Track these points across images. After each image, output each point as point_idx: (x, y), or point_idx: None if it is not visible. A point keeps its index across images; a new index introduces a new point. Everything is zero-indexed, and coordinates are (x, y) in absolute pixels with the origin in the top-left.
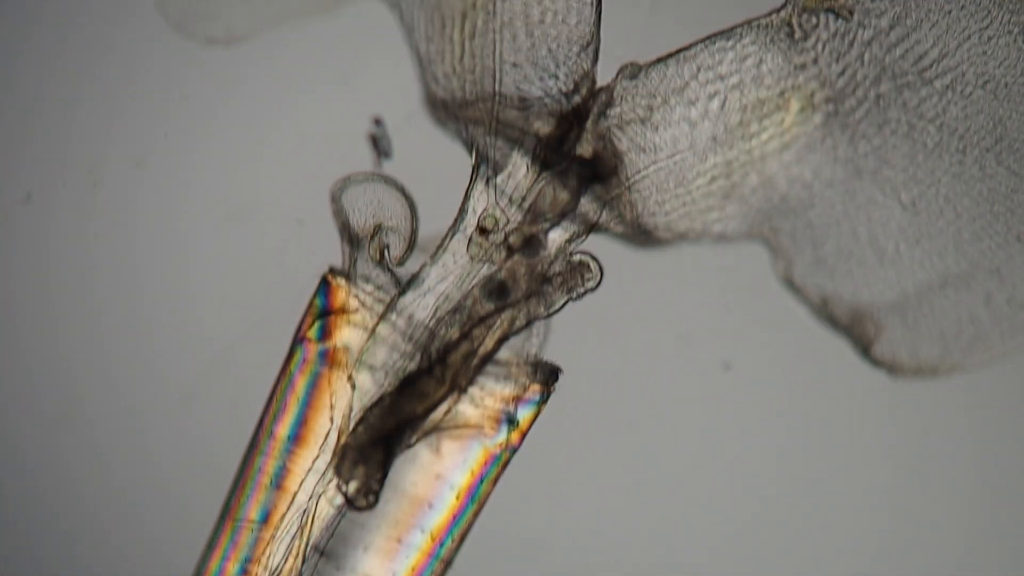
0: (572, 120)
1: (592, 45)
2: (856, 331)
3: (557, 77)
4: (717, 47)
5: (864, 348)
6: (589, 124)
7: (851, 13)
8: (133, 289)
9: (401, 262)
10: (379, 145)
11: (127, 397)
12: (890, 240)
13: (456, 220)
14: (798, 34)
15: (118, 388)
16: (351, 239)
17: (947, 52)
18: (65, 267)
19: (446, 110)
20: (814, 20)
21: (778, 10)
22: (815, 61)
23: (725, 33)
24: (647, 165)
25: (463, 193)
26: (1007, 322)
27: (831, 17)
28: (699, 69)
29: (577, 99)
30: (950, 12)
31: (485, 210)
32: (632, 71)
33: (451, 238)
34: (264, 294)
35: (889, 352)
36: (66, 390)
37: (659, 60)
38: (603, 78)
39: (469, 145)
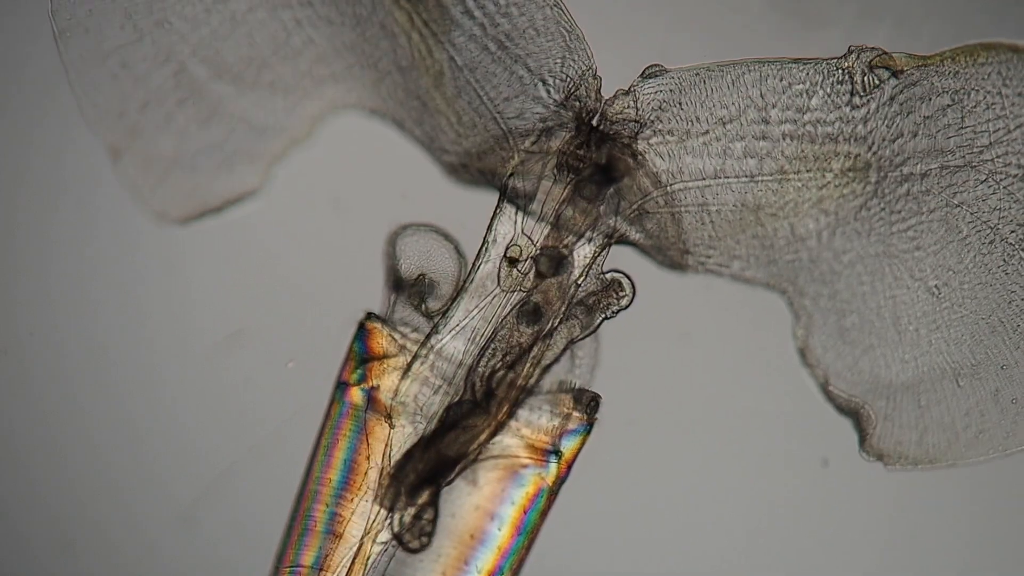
0: (585, 124)
1: (574, 43)
2: (863, 410)
3: (549, 86)
4: (769, 86)
5: (867, 430)
6: (610, 130)
7: (907, 89)
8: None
9: (440, 311)
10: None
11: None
12: (912, 322)
13: (480, 253)
14: (858, 91)
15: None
16: (396, 284)
17: (997, 140)
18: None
19: (468, 171)
20: (876, 79)
21: (841, 58)
22: (867, 123)
23: (780, 68)
24: (676, 184)
25: (486, 226)
26: (1011, 420)
27: (893, 80)
28: (747, 106)
29: (584, 101)
30: (1007, 98)
31: (511, 240)
32: (658, 74)
33: (478, 271)
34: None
35: (894, 435)
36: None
37: (693, 71)
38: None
39: (499, 187)
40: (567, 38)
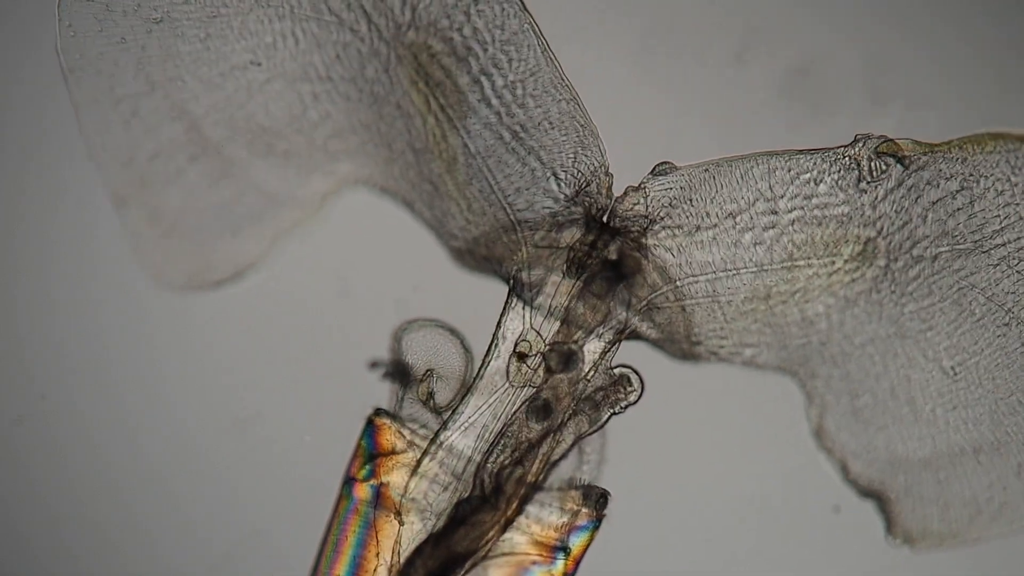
0: (595, 221)
1: (587, 138)
2: (883, 490)
3: (561, 181)
4: (777, 177)
5: (890, 511)
6: (620, 225)
7: (915, 175)
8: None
9: (447, 407)
10: (393, 374)
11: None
12: (927, 402)
13: (490, 348)
14: (865, 177)
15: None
16: (402, 380)
17: (1008, 224)
18: None
19: (475, 257)
20: (884, 166)
21: (848, 146)
22: (876, 210)
23: (788, 159)
24: (686, 278)
25: (496, 322)
26: None
27: (900, 166)
28: (758, 198)
29: (595, 198)
30: (1016, 186)
31: (520, 335)
32: (668, 171)
33: (487, 367)
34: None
35: (916, 511)
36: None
37: (702, 167)
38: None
39: (506, 279)
40: (581, 133)
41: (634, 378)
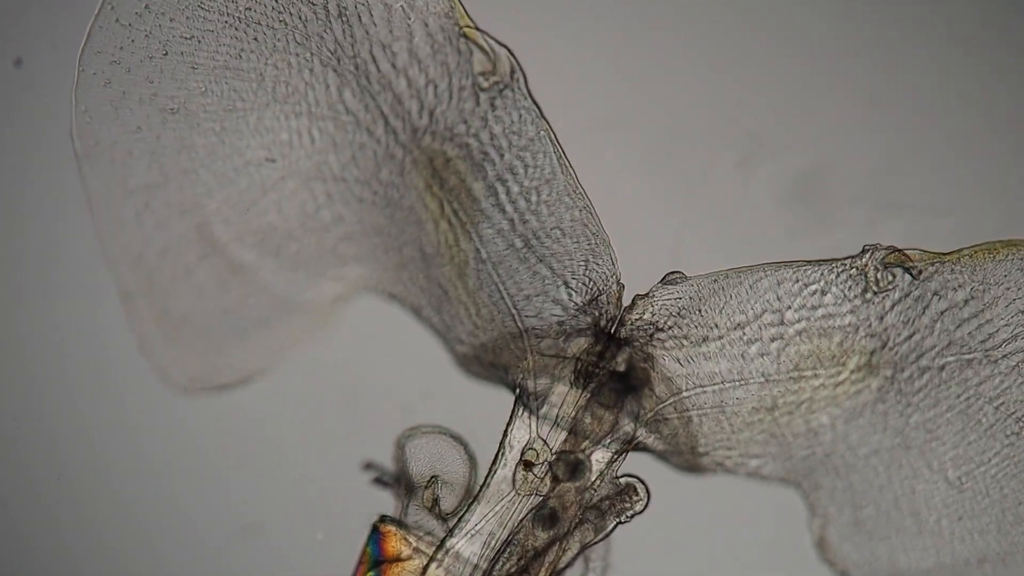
0: (604, 332)
1: (599, 247)
2: None
3: (572, 290)
4: (784, 289)
5: None
6: (628, 336)
7: (922, 285)
8: None
9: (453, 514)
10: (386, 481)
11: None
12: (932, 513)
13: (497, 456)
14: (872, 288)
15: None
16: (407, 487)
17: (1019, 332)
18: None
19: (481, 364)
20: (891, 276)
21: (855, 257)
22: (882, 320)
23: (795, 270)
24: (692, 389)
25: (503, 430)
26: None
27: (908, 276)
28: (765, 309)
29: (604, 308)
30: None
31: (527, 444)
32: (677, 281)
33: (494, 475)
34: None
35: None
36: None
37: (711, 277)
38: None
39: (511, 386)
40: (593, 242)
41: (640, 488)
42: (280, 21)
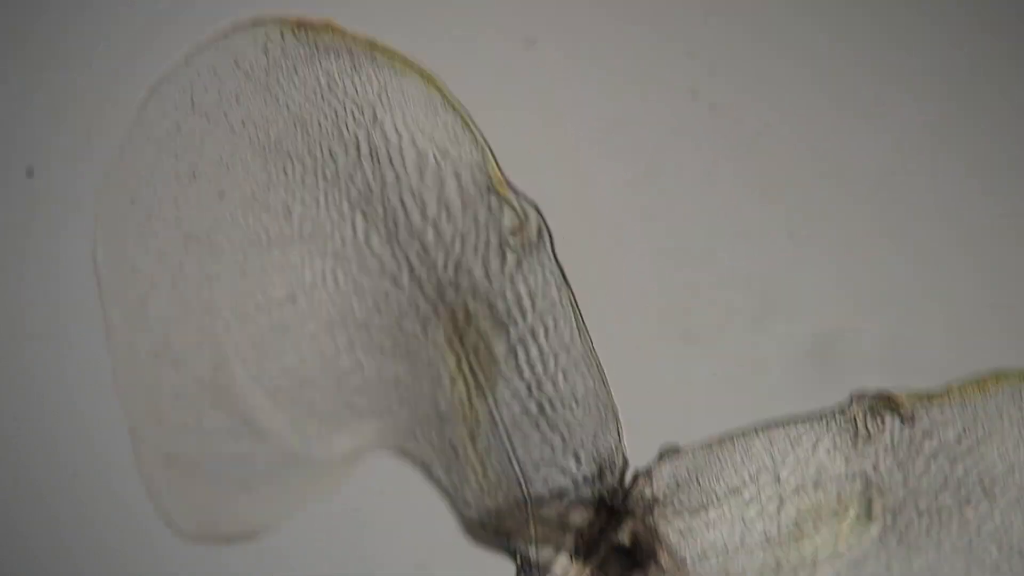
0: (608, 505)
1: (608, 419)
2: None
3: (581, 461)
4: (776, 448)
5: None
6: (631, 511)
7: (913, 420)
8: None
9: None
10: None
11: None
12: None
13: None
14: (862, 436)
15: None
16: None
17: (1014, 468)
18: None
19: (485, 529)
20: (880, 423)
21: (843, 408)
22: (876, 468)
23: (784, 428)
24: (696, 557)
25: None
26: None
27: (898, 422)
28: (759, 471)
29: (609, 481)
30: (1018, 428)
31: None
32: (673, 455)
33: None
34: None
35: None
36: None
37: (705, 446)
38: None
39: (514, 554)
40: (604, 415)
41: None
42: (311, 156)
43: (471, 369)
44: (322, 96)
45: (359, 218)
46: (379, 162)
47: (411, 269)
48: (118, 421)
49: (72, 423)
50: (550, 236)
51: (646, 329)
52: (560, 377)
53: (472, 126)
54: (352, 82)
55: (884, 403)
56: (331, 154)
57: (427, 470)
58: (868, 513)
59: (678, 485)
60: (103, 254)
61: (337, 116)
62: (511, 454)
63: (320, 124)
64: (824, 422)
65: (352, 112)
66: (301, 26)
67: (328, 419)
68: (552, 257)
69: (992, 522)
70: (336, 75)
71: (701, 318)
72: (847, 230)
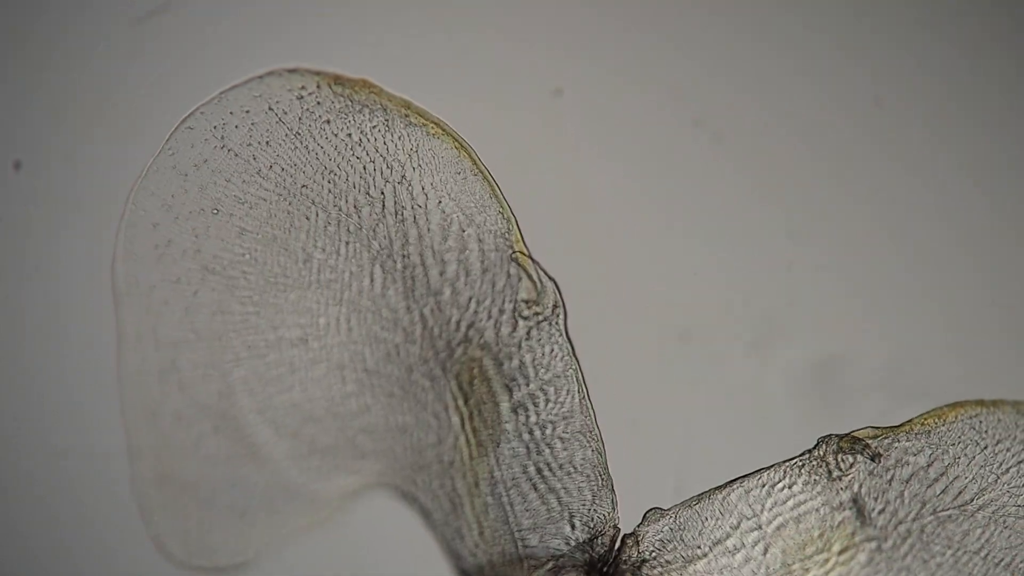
0: (600, 570)
1: (604, 488)
2: None
3: (574, 527)
4: (753, 495)
5: None
6: (623, 572)
7: (881, 459)
8: None
9: None
10: None
11: None
12: None
13: None
14: (835, 473)
15: None
16: None
17: (986, 486)
18: None
19: None
20: (850, 459)
21: (811, 450)
22: (854, 499)
23: (759, 475)
24: None
25: None
26: None
27: (866, 454)
28: (740, 520)
29: (601, 546)
30: (985, 448)
31: None
32: (657, 516)
33: None
34: None
35: None
36: None
37: (686, 504)
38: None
39: None
40: (600, 483)
41: None
42: (335, 206)
43: (474, 428)
44: (352, 150)
45: (378, 270)
46: (403, 220)
47: (425, 324)
48: (117, 421)
49: (71, 423)
50: (564, 311)
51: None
52: (558, 444)
53: (500, 195)
54: (384, 140)
55: (850, 443)
56: (356, 206)
57: (425, 516)
58: (853, 543)
59: (663, 544)
60: (122, 270)
61: (365, 170)
62: (508, 512)
63: (348, 177)
64: (795, 466)
65: (381, 169)
66: (338, 81)
67: (331, 456)
68: (563, 332)
69: (973, 538)
70: (369, 131)
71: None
72: (848, 231)
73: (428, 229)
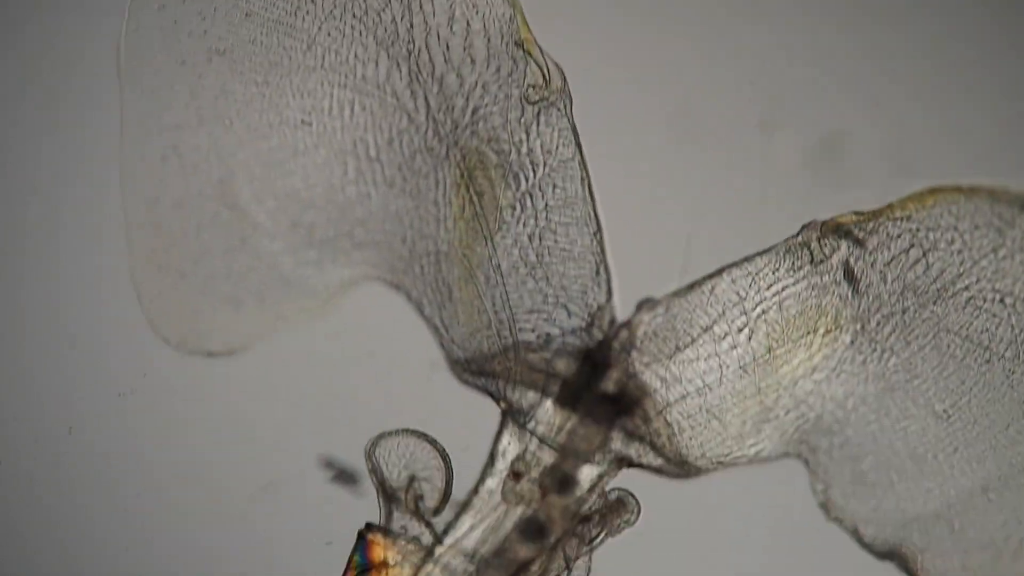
0: (594, 356)
1: (601, 276)
2: (901, 551)
3: (570, 313)
4: (739, 284)
5: (912, 569)
6: (614, 361)
7: (863, 243)
8: None
9: (437, 512)
10: (344, 478)
11: None
12: (928, 450)
13: (487, 466)
14: (818, 257)
15: None
16: (386, 493)
17: (964, 271)
18: None
19: (470, 369)
20: (832, 244)
21: (794, 236)
22: (836, 281)
23: (745, 264)
24: (677, 399)
25: (493, 439)
26: None
27: (849, 240)
28: (725, 307)
29: (596, 334)
30: (963, 234)
31: (516, 455)
32: (650, 306)
33: (483, 484)
34: None
35: (937, 566)
36: None
37: (677, 294)
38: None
39: (497, 396)
40: (597, 270)
41: (630, 501)
42: None
43: (474, 214)
44: None
45: (383, 56)
46: (408, 4)
47: (429, 109)
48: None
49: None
50: (570, 99)
51: (644, 140)
52: (559, 231)
53: None
54: None
55: (833, 228)
56: None
57: (419, 306)
58: (837, 324)
59: (655, 332)
60: (127, 49)
61: None
62: (504, 299)
63: None
64: (779, 253)
65: None
66: None
67: (326, 246)
68: (569, 118)
69: (953, 320)
70: None
71: (702, 130)
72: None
73: (433, 14)
